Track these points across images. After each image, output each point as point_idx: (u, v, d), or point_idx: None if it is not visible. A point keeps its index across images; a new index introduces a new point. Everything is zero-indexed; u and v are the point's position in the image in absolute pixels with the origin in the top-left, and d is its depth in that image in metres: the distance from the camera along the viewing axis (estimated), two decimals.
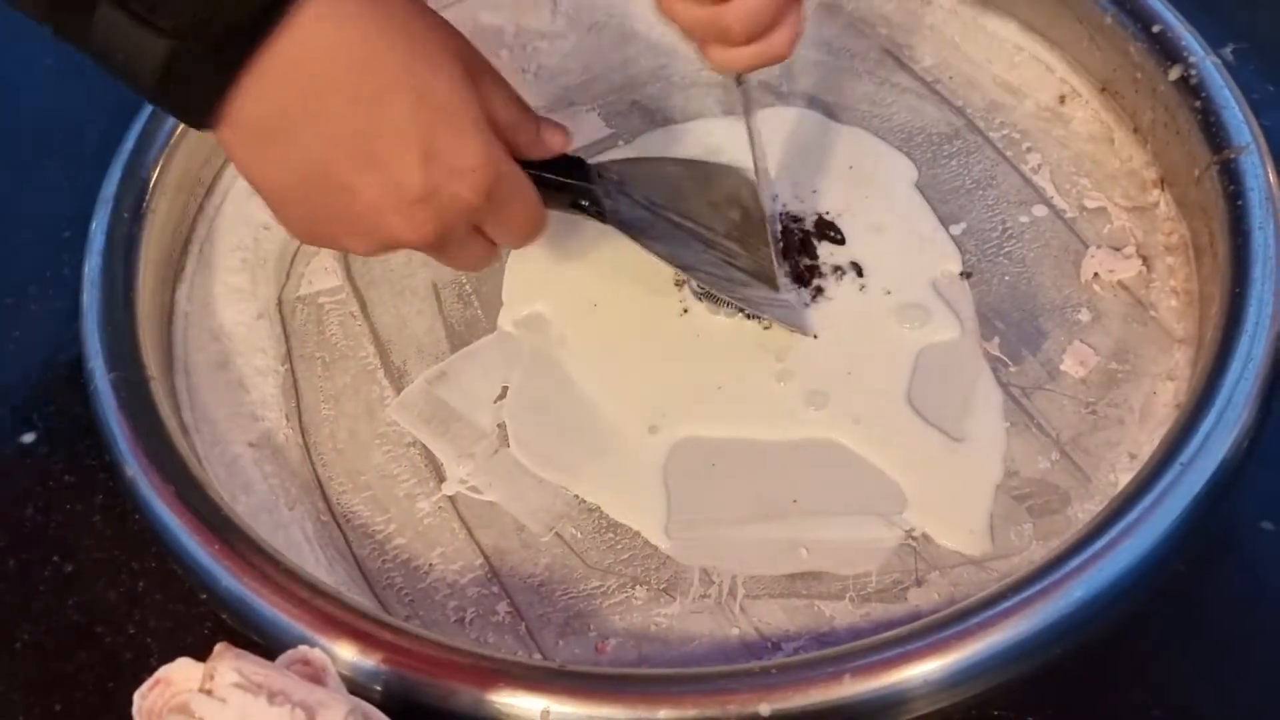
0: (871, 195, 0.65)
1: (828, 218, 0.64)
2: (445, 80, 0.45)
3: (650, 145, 0.68)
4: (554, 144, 0.51)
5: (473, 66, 0.47)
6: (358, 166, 0.44)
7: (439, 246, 0.48)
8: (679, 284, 0.61)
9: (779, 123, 0.68)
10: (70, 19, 0.41)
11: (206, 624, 0.51)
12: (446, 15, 0.70)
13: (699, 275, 0.58)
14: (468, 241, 0.49)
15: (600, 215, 0.55)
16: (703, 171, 0.61)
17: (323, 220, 0.46)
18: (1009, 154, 0.66)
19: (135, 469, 0.52)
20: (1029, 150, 0.66)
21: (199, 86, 0.42)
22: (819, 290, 0.61)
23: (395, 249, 0.48)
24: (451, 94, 0.45)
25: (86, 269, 0.59)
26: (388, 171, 0.44)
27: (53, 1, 0.41)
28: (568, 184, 0.53)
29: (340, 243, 0.47)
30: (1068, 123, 0.67)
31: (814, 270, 0.62)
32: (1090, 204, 0.64)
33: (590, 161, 0.55)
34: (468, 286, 0.64)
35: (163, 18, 0.40)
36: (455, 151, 0.45)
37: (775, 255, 0.59)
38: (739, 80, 0.56)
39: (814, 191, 0.65)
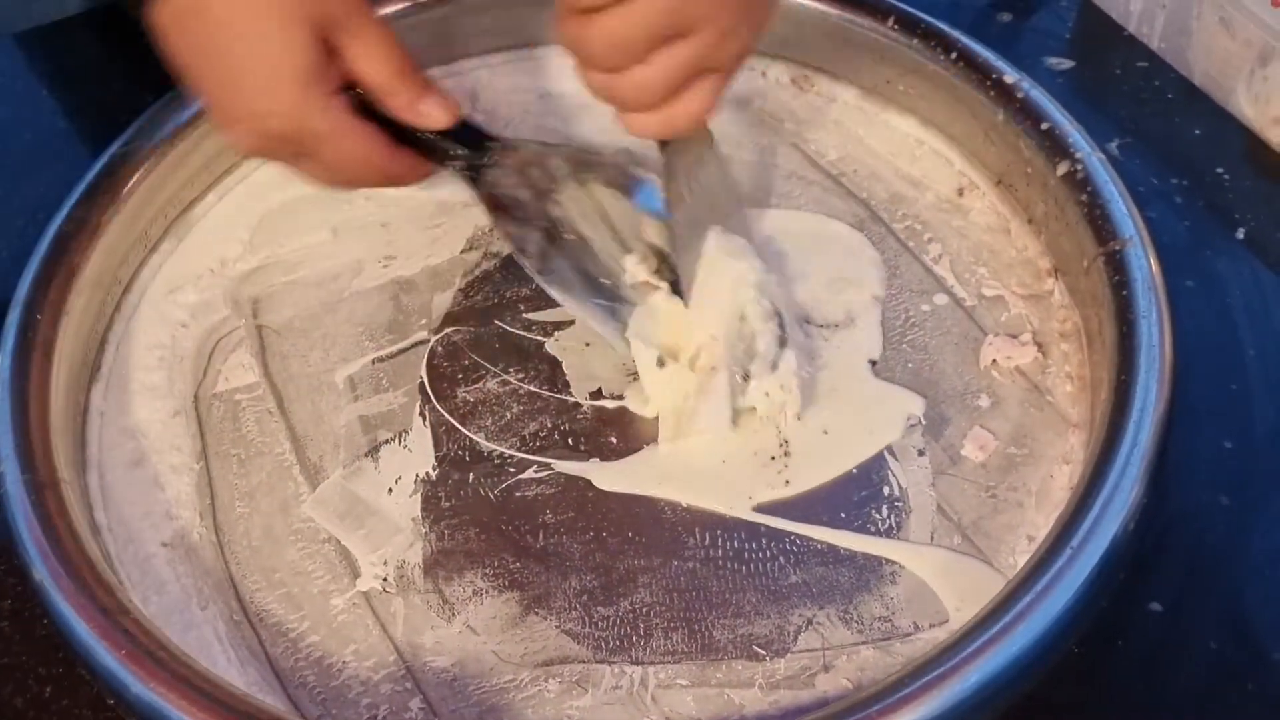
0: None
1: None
2: (279, 32, 0.54)
3: None
4: (432, 117, 0.58)
5: (340, 28, 0.55)
6: (205, 76, 0.56)
7: (271, 159, 0.59)
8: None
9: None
10: None
11: None
12: None
13: (544, 274, 0.60)
14: (303, 164, 0.58)
15: (474, 182, 0.60)
16: (609, 172, 0.62)
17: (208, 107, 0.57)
18: (911, 244, 0.69)
19: (43, 573, 0.52)
20: (930, 240, 0.69)
21: None
22: None
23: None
24: (281, 47, 0.54)
25: None
26: (212, 88, 0.56)
27: None
28: (436, 146, 0.58)
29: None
30: (966, 214, 0.70)
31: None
32: (988, 292, 0.66)
33: (501, 137, 0.60)
34: (384, 381, 0.65)
35: None
36: (256, 94, 0.54)
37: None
38: (661, 146, 0.57)
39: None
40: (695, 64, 0.52)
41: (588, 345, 0.64)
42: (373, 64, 0.56)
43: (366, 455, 0.62)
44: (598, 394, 0.63)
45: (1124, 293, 0.58)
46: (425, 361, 0.65)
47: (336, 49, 0.55)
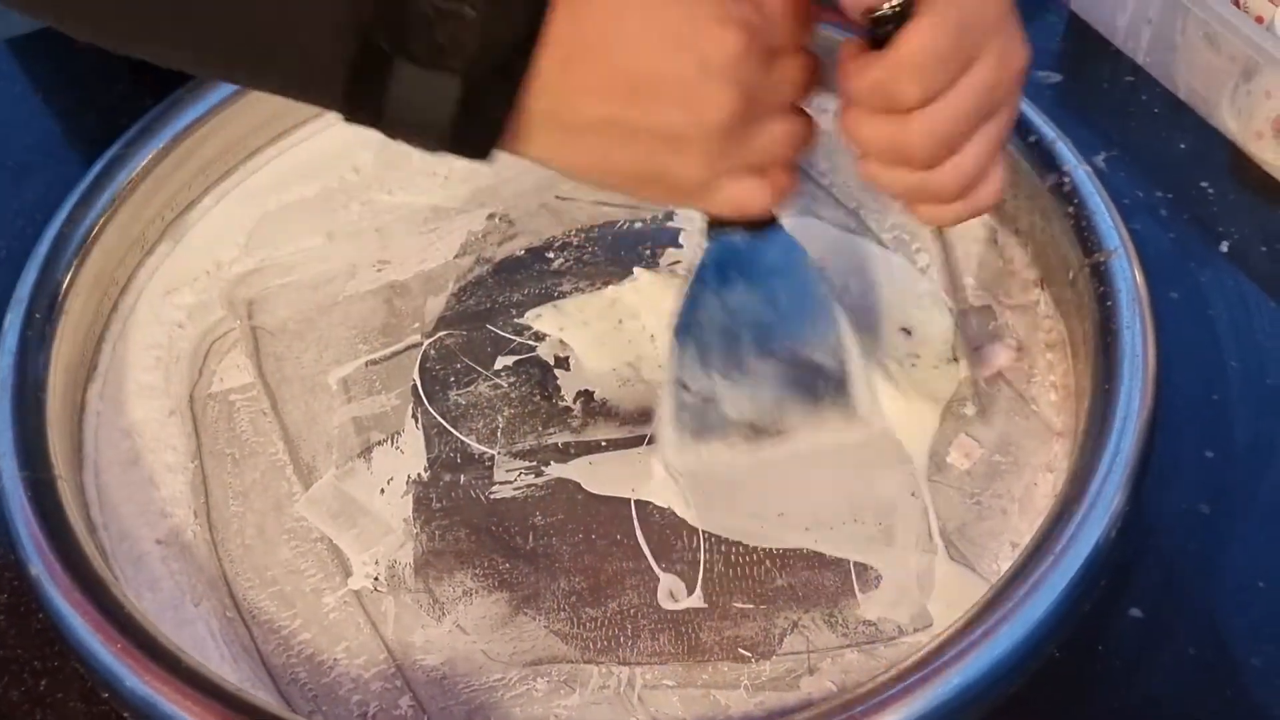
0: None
1: None
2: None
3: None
4: None
5: None
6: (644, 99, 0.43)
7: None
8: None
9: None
10: (367, 92, 0.42)
11: None
12: None
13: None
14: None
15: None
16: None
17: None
18: (899, 254, 0.70)
19: (39, 567, 0.53)
20: (919, 250, 0.70)
21: (492, 108, 0.43)
22: None
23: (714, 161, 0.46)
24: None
25: None
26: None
27: (350, 79, 0.42)
28: None
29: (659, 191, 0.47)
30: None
31: None
32: (976, 302, 0.67)
33: None
34: (378, 383, 0.65)
35: (453, 59, 0.41)
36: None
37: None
38: (940, 231, 0.57)
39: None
40: (1000, 141, 0.48)
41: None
42: None
43: (359, 456, 0.62)
44: (588, 398, 0.64)
45: (1108, 303, 0.59)
46: (418, 364, 0.66)
47: None
